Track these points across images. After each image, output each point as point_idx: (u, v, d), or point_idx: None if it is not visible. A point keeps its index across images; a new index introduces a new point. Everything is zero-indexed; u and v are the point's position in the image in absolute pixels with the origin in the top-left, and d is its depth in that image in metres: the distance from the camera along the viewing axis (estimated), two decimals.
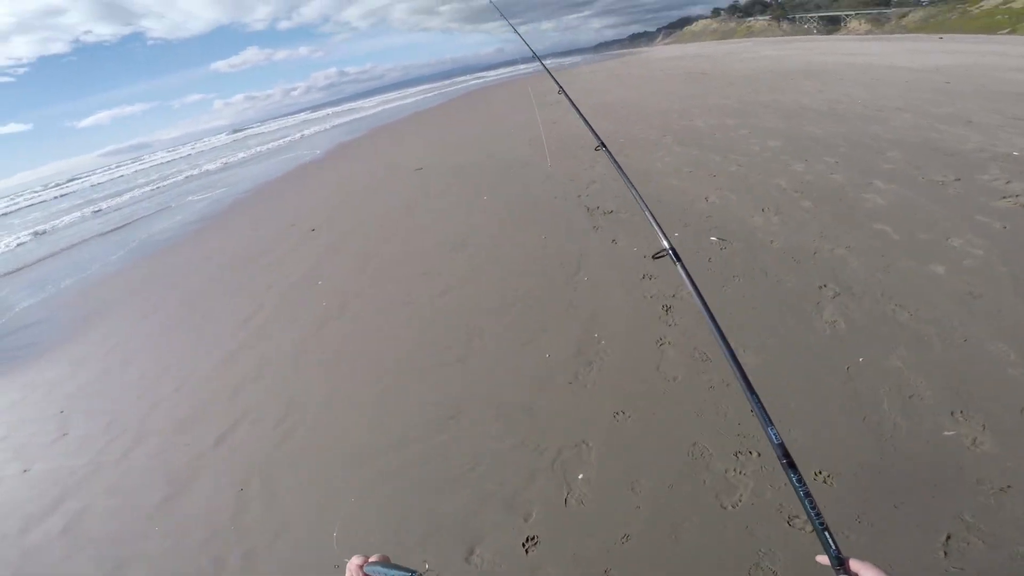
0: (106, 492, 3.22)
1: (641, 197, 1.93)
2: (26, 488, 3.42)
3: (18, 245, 14.26)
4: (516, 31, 4.71)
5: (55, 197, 33.31)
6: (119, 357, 4.97)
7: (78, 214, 17.97)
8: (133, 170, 42.07)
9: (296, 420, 3.47)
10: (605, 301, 3.94)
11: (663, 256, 1.69)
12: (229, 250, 7.57)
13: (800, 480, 0.90)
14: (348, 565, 0.88)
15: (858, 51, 21.55)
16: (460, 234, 5.81)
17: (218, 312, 5.46)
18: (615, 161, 2.22)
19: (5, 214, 29.26)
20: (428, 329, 4.14)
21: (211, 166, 23.40)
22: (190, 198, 14.47)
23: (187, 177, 21.26)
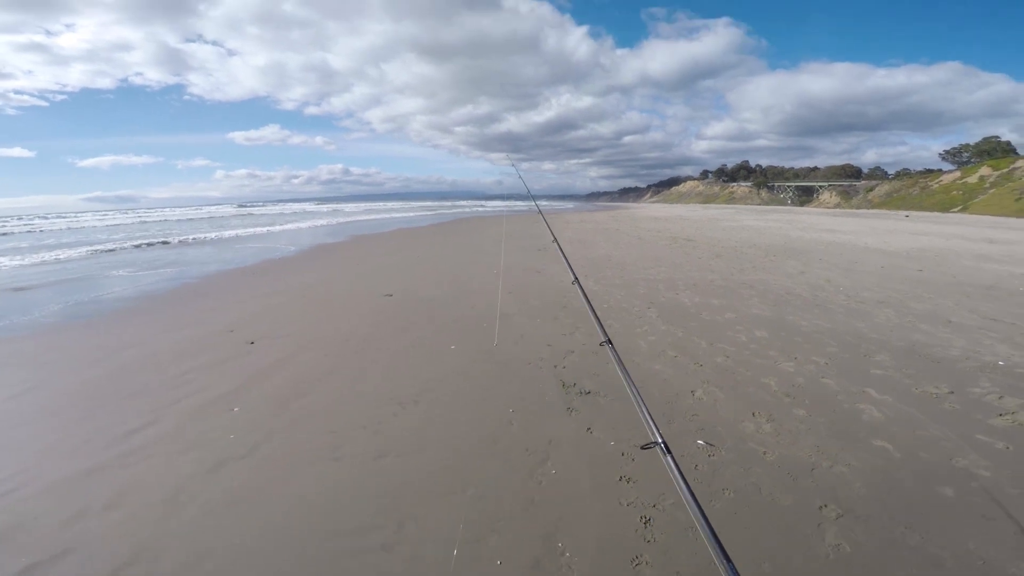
0: None
1: (634, 384, 1.84)
2: None
3: None
4: (520, 175, 4.72)
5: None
6: None
7: (18, 260, 17.30)
8: (105, 223, 42.22)
9: (142, 571, 2.75)
10: (574, 503, 3.39)
11: (651, 448, 1.66)
12: (152, 344, 6.84)
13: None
14: None
15: (832, 227, 23.29)
16: (415, 387, 5.26)
17: (104, 413, 4.70)
18: (618, 359, 1.98)
19: None
20: (352, 498, 3.47)
21: (181, 238, 23.57)
22: (142, 272, 14.00)
23: (150, 243, 21.15)
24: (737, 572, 1.13)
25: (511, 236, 22.21)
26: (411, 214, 47.48)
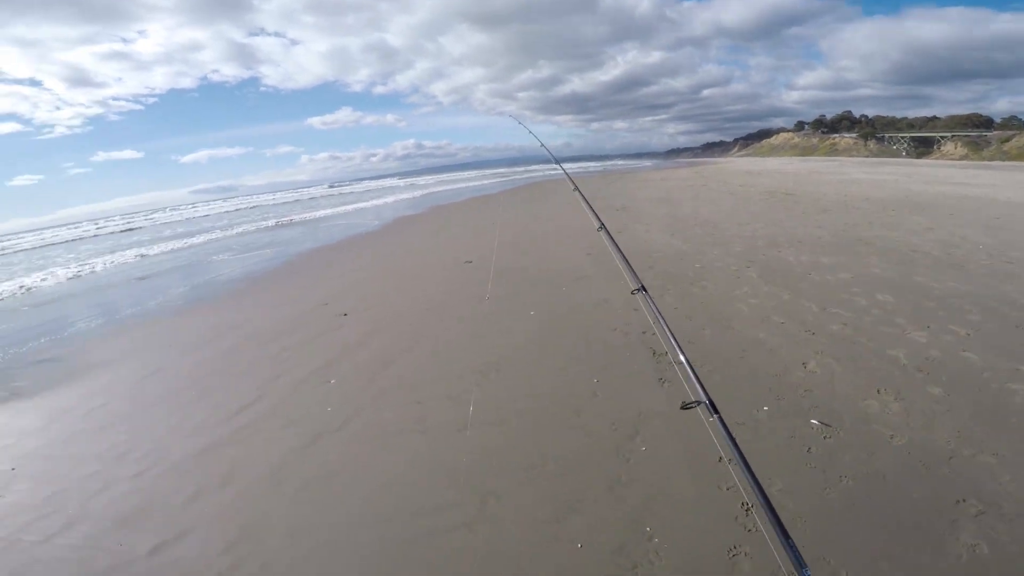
0: None
1: (673, 335, 1.80)
2: None
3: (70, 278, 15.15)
4: (541, 142, 4.39)
5: (125, 230, 36.57)
6: (97, 421, 4.69)
7: (139, 252, 19.36)
8: (216, 211, 46.37)
9: (245, 554, 2.88)
10: (665, 484, 3.15)
11: (692, 407, 1.53)
12: (256, 322, 7.38)
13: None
14: None
15: (963, 180, 20.22)
16: (495, 354, 5.19)
17: (215, 393, 5.08)
18: (653, 305, 1.83)
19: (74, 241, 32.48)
20: (436, 474, 3.48)
21: (278, 220, 25.21)
22: (246, 254, 15.14)
23: (257, 228, 22.75)
24: (797, 551, 1.07)
25: (588, 198, 21.44)
26: (484, 182, 47.63)
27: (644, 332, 5.38)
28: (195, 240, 21.20)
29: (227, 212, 43.01)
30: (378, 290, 8.43)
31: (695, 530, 2.77)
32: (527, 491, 3.18)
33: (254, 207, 45.36)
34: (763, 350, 4.79)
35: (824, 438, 3.46)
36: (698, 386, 1.50)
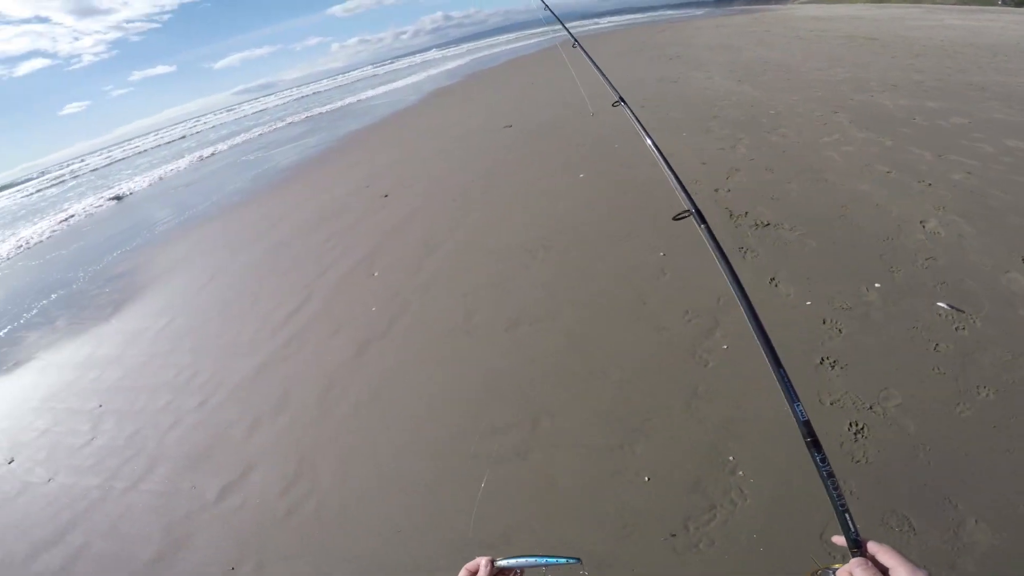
0: (105, 534, 2.67)
1: (658, 148, 1.62)
2: (45, 502, 3.00)
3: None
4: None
5: (180, 137, 35.39)
6: (164, 343, 4.44)
7: (192, 157, 18.60)
8: (255, 109, 44.16)
9: (301, 495, 2.58)
10: (753, 397, 2.47)
11: (684, 218, 1.38)
12: (302, 211, 6.89)
13: (824, 460, 0.84)
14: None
15: None
16: (545, 228, 4.49)
17: (266, 297, 4.69)
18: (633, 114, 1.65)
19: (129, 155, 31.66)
20: (484, 387, 2.97)
21: (319, 109, 23.57)
22: (288, 146, 14.28)
23: (290, 123, 21.33)
24: (790, 382, 0.92)
25: (632, 50, 18.93)
26: (518, 44, 42.90)
27: (716, 190, 4.53)
28: (243, 137, 20.17)
29: (269, 108, 40.59)
30: (419, 166, 7.60)
31: (790, 458, 2.12)
32: (584, 408, 2.64)
33: (301, 98, 42.54)
34: (868, 205, 3.93)
35: (956, 329, 2.66)
36: (683, 195, 1.30)
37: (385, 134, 11.70)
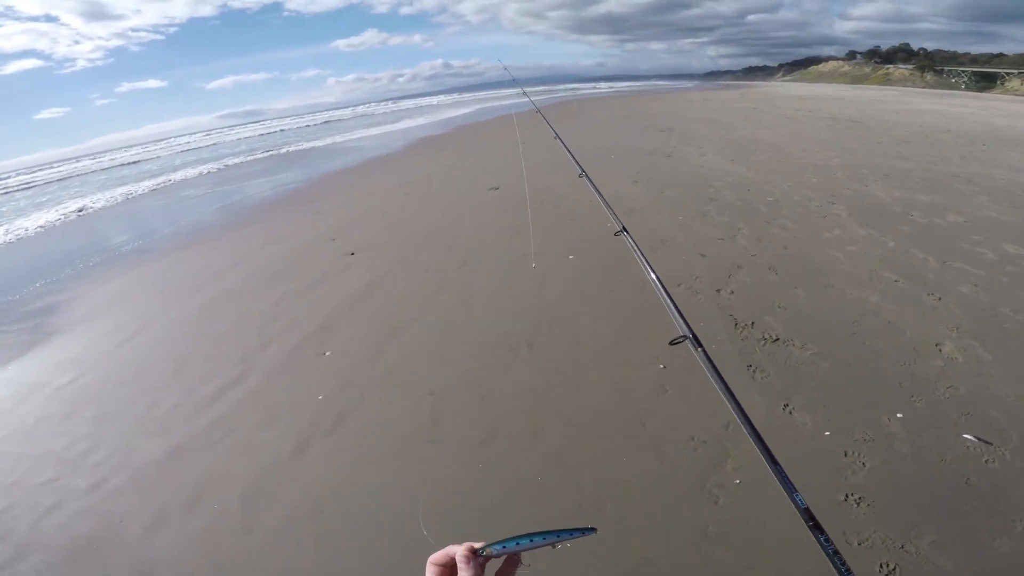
0: None
1: (658, 278, 1.56)
2: None
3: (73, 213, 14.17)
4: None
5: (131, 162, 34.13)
6: (64, 403, 3.80)
7: (155, 181, 18.06)
8: (238, 136, 43.70)
9: None
10: (771, 542, 2.14)
11: (680, 343, 1.42)
12: (255, 260, 6.35)
13: (828, 540, 0.89)
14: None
15: None
16: (529, 321, 4.08)
17: (194, 365, 4.12)
18: (637, 247, 1.62)
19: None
20: (448, 512, 2.51)
21: (301, 146, 23.21)
22: (259, 180, 13.90)
23: (274, 154, 21.05)
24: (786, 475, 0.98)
25: (624, 118, 19.46)
26: (512, 100, 44.29)
27: (718, 290, 4.25)
28: (208, 167, 19.31)
29: (247, 137, 39.93)
30: (393, 223, 7.24)
31: None
32: (572, 552, 2.19)
33: (279, 130, 42.34)
34: (880, 322, 3.65)
35: (986, 462, 2.43)
36: (679, 319, 1.34)
37: (362, 180, 11.37)
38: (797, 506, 0.95)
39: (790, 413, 2.89)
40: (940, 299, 3.90)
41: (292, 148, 22.54)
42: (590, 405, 3.12)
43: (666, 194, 6.84)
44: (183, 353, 4.31)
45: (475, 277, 4.99)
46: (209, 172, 17.81)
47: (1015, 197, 6.36)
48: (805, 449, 2.62)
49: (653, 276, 1.62)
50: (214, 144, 37.19)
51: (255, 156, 21.11)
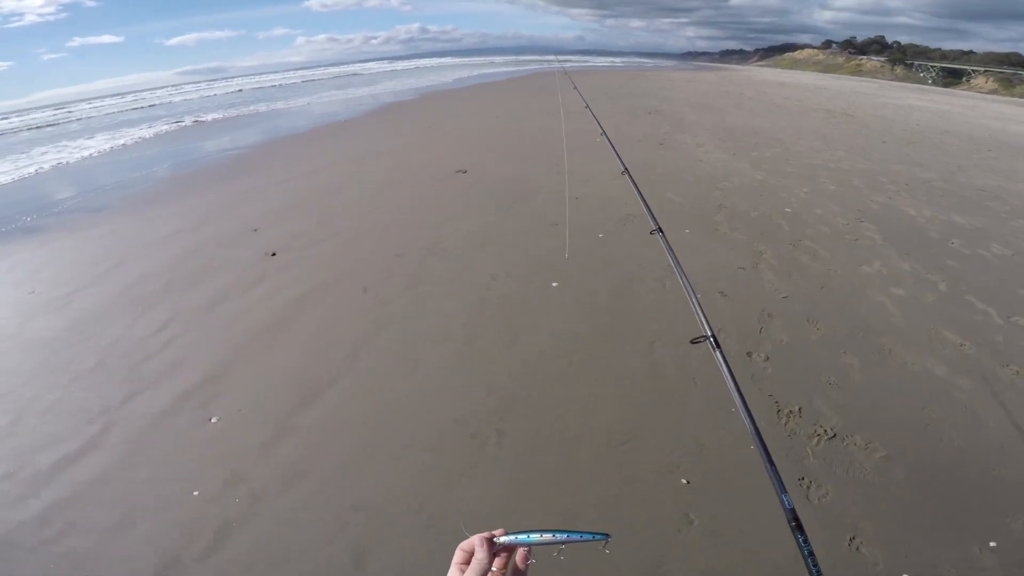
0: None
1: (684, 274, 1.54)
2: None
3: None
4: None
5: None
6: None
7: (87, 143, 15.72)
8: (192, 95, 39.30)
9: None
10: None
11: (701, 342, 1.39)
12: (157, 254, 4.99)
13: (806, 540, 0.93)
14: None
15: None
16: (500, 390, 2.98)
17: (31, 419, 2.91)
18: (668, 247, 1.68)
19: None
20: None
21: (258, 108, 20.77)
22: (189, 145, 12.16)
23: (220, 117, 18.69)
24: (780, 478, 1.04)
25: (608, 96, 18.23)
26: (490, 69, 41.81)
27: (750, 354, 3.25)
28: (144, 131, 16.66)
29: (201, 97, 35.50)
30: (335, 209, 5.92)
31: None
32: None
33: (237, 91, 38.06)
34: (955, 408, 2.73)
35: None
36: (703, 320, 1.34)
37: (311, 151, 9.73)
38: (784, 506, 0.99)
39: (858, 549, 2.05)
40: (1018, 372, 3.02)
41: (245, 110, 20.14)
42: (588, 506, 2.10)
43: (667, 196, 5.77)
44: (24, 399, 3.09)
45: (431, 306, 3.83)
46: (142, 137, 14.93)
47: None
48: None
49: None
50: (155, 105, 33.02)
51: (200, 119, 18.70)
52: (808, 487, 2.32)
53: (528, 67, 43.46)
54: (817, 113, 13.86)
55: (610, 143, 3.21)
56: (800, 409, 2.72)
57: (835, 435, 2.58)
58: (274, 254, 4.69)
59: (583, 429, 2.67)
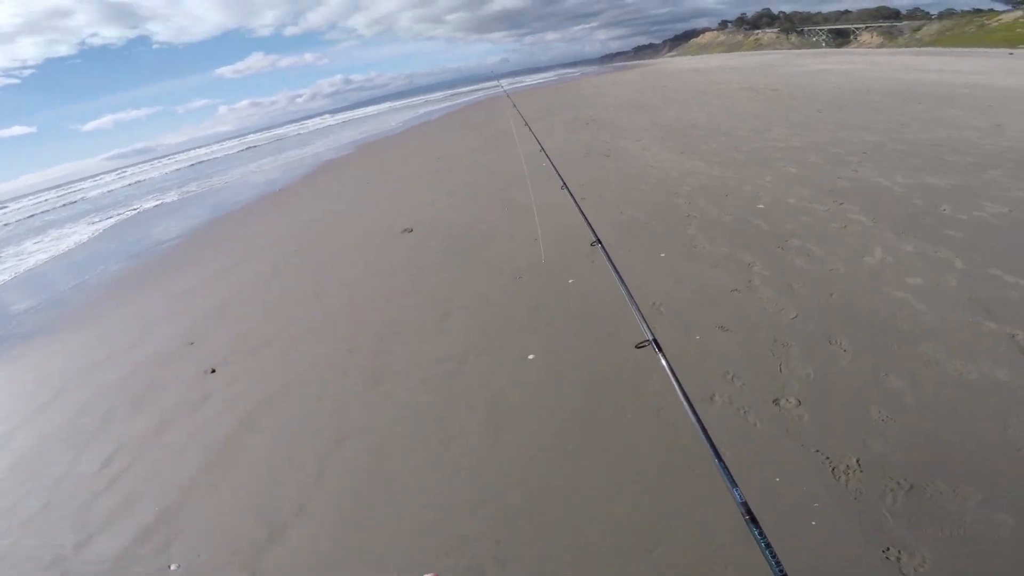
0: None
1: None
2: None
3: None
4: None
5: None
6: None
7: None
8: (128, 181, 37.04)
9: None
10: None
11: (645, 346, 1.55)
12: (88, 385, 4.23)
13: (762, 533, 0.94)
14: None
15: (938, 68, 18.32)
16: (484, 516, 2.28)
17: (8, 558, 2.14)
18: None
19: None
20: None
21: (190, 188, 19.53)
22: (129, 240, 11.17)
23: (140, 208, 17.50)
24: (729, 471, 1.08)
25: (542, 114, 18.07)
26: (426, 108, 41.32)
27: (776, 401, 2.69)
28: (76, 229, 15.22)
29: (135, 183, 33.27)
30: (277, 302, 5.11)
31: None
32: None
33: (175, 170, 35.98)
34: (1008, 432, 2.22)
35: None
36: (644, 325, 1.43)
37: (242, 236, 8.81)
38: (736, 500, 1.01)
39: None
40: None
41: (179, 195, 18.67)
42: None
43: (628, 215, 5.26)
44: None
45: (395, 406, 3.12)
46: (78, 241, 13.44)
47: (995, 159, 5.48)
48: None
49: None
50: (85, 198, 30.73)
51: (136, 207, 17.38)
52: (899, 558, 1.76)
53: (465, 98, 43.51)
54: (742, 93, 13.97)
55: (551, 163, 2.65)
56: (858, 461, 2.16)
57: (912, 486, 2.03)
58: (214, 370, 3.90)
59: (598, 534, 2.02)
